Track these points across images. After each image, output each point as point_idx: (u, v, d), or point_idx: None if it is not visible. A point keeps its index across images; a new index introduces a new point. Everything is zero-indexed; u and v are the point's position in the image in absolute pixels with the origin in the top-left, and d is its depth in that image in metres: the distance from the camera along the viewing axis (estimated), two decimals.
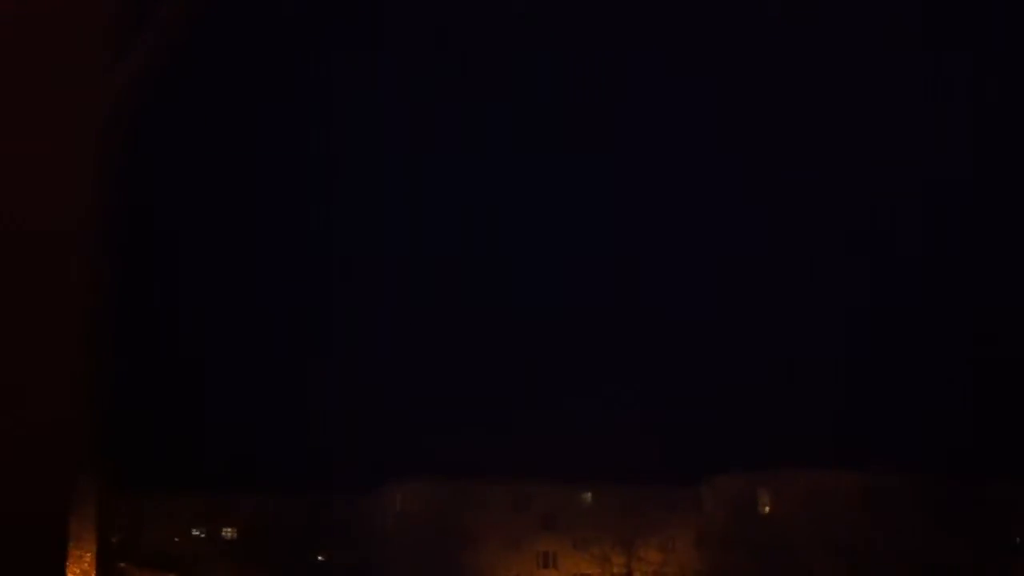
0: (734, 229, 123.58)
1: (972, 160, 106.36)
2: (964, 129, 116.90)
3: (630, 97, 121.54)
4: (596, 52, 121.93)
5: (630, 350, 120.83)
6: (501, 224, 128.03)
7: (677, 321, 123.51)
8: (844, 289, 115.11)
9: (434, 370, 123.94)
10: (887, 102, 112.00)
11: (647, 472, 77.47)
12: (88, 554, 62.86)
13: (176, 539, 79.29)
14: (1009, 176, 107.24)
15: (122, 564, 68.91)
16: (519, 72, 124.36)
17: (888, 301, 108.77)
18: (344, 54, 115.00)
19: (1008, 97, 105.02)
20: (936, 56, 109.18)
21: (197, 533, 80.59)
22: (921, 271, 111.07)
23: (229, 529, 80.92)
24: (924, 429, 76.51)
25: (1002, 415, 77.51)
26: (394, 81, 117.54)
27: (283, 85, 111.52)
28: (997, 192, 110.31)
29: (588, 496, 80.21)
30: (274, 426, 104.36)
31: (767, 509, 70.88)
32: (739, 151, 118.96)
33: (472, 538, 77.65)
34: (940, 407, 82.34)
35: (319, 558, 79.94)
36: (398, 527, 77.88)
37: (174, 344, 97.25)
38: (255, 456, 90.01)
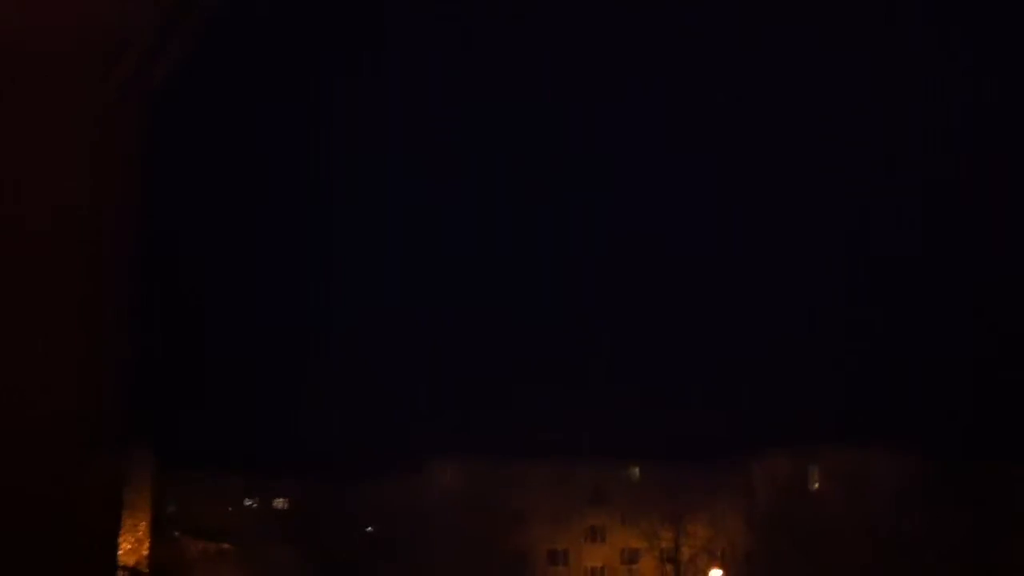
0: (771, 215, 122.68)
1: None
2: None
3: (632, 97, 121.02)
4: (595, 52, 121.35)
5: (677, 327, 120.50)
6: (535, 213, 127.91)
7: (723, 299, 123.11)
8: (891, 268, 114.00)
9: (481, 348, 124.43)
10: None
11: (696, 448, 77.44)
12: (143, 523, 63.90)
13: (229, 509, 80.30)
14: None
15: (176, 533, 69.98)
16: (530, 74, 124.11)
17: (938, 281, 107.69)
18: (359, 54, 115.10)
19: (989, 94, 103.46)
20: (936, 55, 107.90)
21: (249, 503, 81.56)
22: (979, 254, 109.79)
23: (281, 500, 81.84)
24: (975, 412, 75.76)
25: None
26: (409, 84, 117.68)
27: (294, 84, 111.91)
28: None
29: (636, 472, 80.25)
30: (320, 406, 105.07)
31: (816, 487, 70.59)
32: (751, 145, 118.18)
33: (519, 511, 77.97)
34: (993, 391, 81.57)
35: (368, 529, 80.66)
36: (445, 503, 78.33)
37: (224, 325, 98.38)
38: (304, 435, 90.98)
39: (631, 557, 78.87)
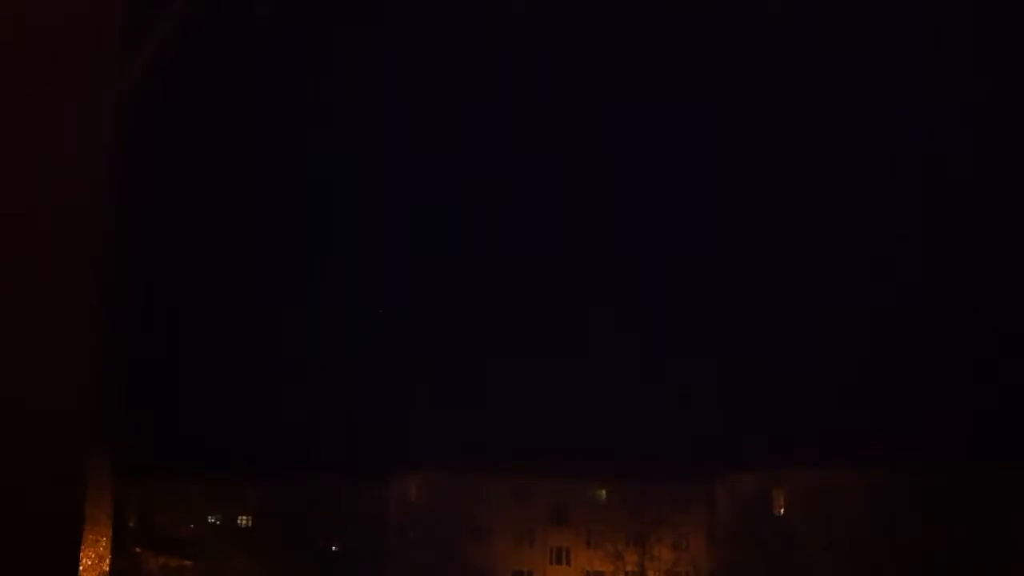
0: (739, 225, 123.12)
1: None
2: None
3: (626, 96, 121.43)
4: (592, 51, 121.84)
5: (642, 348, 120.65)
6: (504, 223, 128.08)
7: (688, 321, 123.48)
8: (852, 286, 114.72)
9: (449, 363, 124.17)
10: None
11: (660, 469, 77.50)
12: (104, 538, 63.24)
13: (192, 525, 79.70)
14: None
15: (138, 549, 69.33)
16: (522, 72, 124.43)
17: (895, 298, 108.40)
18: (358, 52, 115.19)
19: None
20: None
21: (213, 520, 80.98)
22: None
23: (244, 517, 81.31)
24: (938, 423, 76.16)
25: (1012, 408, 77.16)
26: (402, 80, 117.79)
27: (291, 83, 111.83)
28: None
29: (602, 493, 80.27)
30: (284, 413, 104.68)
31: (781, 510, 70.76)
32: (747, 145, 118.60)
33: (484, 530, 77.83)
34: (955, 399, 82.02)
35: (332, 548, 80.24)
36: (409, 518, 78.06)
37: (187, 331, 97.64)
38: (267, 443, 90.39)
39: None
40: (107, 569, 62.30)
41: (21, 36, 4.33)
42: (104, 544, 62.52)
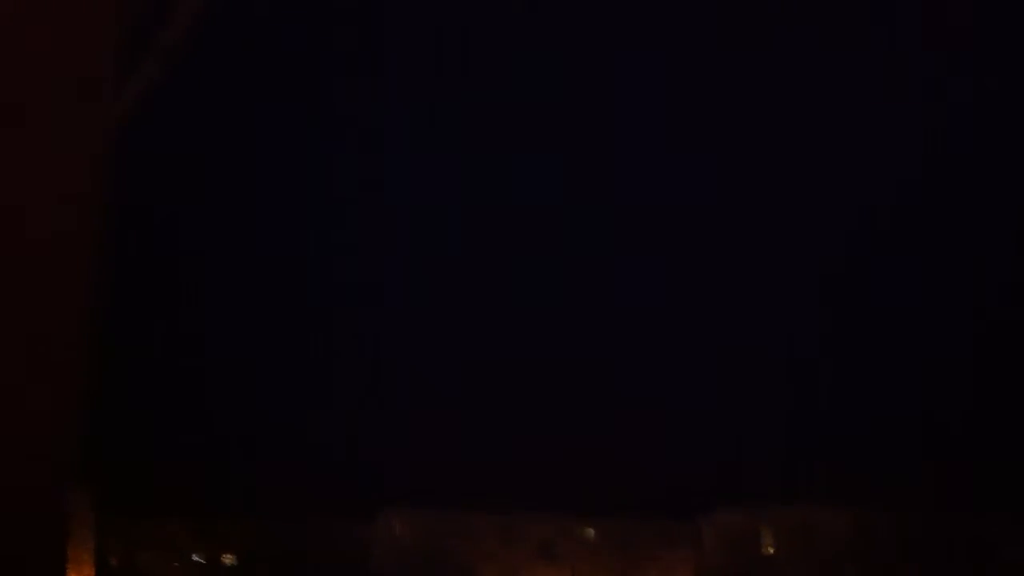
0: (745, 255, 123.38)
1: None
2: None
3: (626, 96, 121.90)
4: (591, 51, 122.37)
5: (628, 380, 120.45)
6: (501, 237, 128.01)
7: (675, 353, 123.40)
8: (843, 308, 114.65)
9: (435, 396, 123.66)
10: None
11: (645, 505, 77.21)
12: None
13: (176, 563, 78.95)
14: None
15: None
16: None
17: (890, 336, 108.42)
18: (354, 64, 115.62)
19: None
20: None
21: (197, 559, 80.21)
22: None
23: (229, 555, 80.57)
24: (931, 462, 75.97)
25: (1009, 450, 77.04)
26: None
27: (287, 92, 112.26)
28: None
29: (589, 531, 79.84)
30: (272, 450, 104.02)
31: (770, 548, 70.44)
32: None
33: (470, 569, 77.35)
34: (948, 438, 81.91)
35: None
36: (394, 556, 77.54)
37: (171, 364, 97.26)
38: (253, 480, 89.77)
39: None
40: None
41: (22, 42, 4.29)
42: None
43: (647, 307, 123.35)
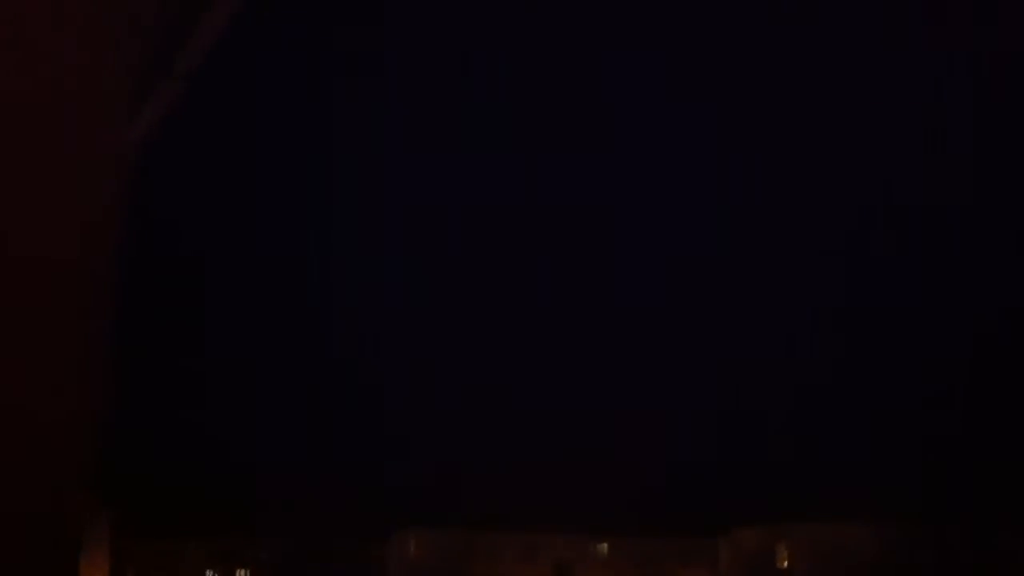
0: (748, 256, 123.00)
1: None
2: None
3: (628, 96, 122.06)
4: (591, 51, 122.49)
5: (643, 396, 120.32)
6: (510, 249, 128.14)
7: (688, 365, 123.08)
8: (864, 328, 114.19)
9: (450, 416, 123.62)
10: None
11: (663, 523, 76.99)
12: None
13: None
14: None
15: None
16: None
17: (908, 353, 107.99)
18: (359, 82, 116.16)
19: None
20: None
21: (211, 575, 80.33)
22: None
23: (243, 571, 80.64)
24: (948, 478, 75.54)
25: None
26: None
27: (300, 112, 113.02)
28: None
29: (604, 548, 79.63)
30: (288, 470, 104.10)
31: (785, 563, 70.12)
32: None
33: None
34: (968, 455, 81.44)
35: None
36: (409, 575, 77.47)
37: (187, 385, 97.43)
38: (269, 503, 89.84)
39: None
40: None
41: (38, 64, 4.39)
42: None
43: (661, 318, 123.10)
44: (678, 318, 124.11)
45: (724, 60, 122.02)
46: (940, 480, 71.69)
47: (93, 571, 64.54)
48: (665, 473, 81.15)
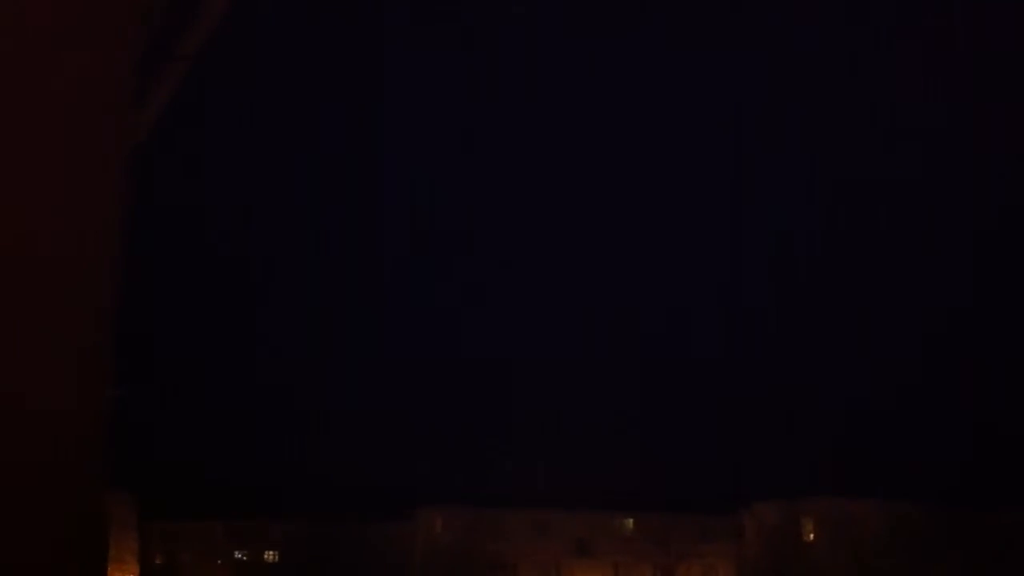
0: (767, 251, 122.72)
1: None
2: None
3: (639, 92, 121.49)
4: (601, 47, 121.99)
5: (669, 375, 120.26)
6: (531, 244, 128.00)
7: (717, 348, 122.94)
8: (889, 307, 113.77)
9: (469, 397, 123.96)
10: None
11: (688, 498, 77.03)
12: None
13: (219, 561, 79.52)
14: None
15: None
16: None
17: (932, 329, 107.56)
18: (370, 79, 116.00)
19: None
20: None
21: (239, 556, 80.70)
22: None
23: (271, 552, 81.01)
24: (972, 457, 75.46)
25: None
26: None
27: (305, 109, 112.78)
28: None
29: (627, 524, 79.68)
30: (314, 449, 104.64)
31: (810, 537, 70.11)
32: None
33: (509, 565, 77.40)
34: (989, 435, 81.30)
35: None
36: (434, 553, 77.72)
37: (210, 368, 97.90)
38: (295, 484, 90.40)
39: None
40: None
41: (48, 62, 4.39)
42: None
43: (680, 302, 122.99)
44: (697, 302, 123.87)
45: (722, 61, 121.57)
46: (957, 461, 71.64)
47: (123, 553, 65.21)
48: (688, 449, 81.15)
